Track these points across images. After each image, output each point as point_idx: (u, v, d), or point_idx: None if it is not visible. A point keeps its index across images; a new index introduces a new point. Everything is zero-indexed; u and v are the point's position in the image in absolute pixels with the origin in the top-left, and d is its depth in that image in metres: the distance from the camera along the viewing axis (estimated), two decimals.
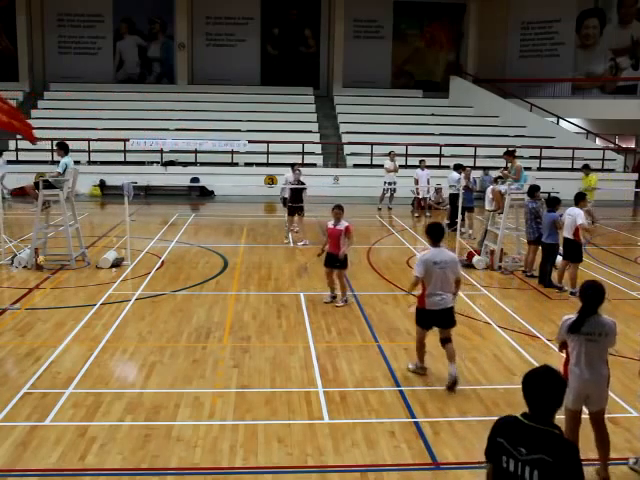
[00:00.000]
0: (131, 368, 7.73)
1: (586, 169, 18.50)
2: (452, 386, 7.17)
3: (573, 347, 5.37)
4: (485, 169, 22.39)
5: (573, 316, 5.38)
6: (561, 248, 11.51)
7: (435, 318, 7.36)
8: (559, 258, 11.63)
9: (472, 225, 16.64)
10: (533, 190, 12.16)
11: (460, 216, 14.00)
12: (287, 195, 15.29)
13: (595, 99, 30.61)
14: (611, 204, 22.08)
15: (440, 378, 7.50)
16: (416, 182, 20.09)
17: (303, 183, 15.22)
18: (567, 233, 11.09)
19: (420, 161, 20.64)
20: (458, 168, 17.45)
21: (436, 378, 7.51)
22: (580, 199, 11.25)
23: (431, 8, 32.78)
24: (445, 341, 7.43)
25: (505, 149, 14.20)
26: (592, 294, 5.31)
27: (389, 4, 32.46)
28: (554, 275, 11.69)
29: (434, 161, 24.72)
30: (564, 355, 5.58)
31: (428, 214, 20.12)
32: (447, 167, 24.30)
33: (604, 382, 5.39)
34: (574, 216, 10.98)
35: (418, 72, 33.22)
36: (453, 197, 16.37)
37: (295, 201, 15.07)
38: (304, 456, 5.78)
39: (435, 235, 7.43)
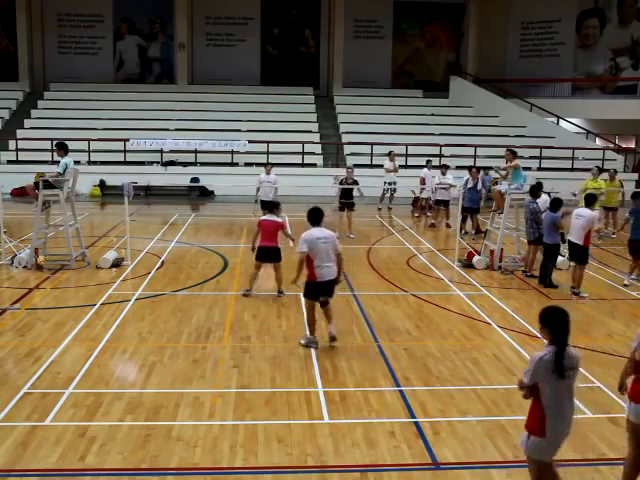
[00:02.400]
0: (131, 368, 7.73)
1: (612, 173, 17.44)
2: (332, 341, 8.35)
3: (547, 389, 4.52)
4: (485, 169, 22.36)
5: (546, 352, 4.52)
6: (562, 248, 11.45)
7: (323, 288, 8.26)
8: (560, 258, 11.61)
9: (475, 226, 16.62)
10: (535, 190, 12.13)
11: (460, 216, 14.00)
12: (264, 197, 15.89)
13: (595, 99, 30.60)
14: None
15: (440, 378, 7.51)
16: (422, 182, 19.78)
17: (356, 182, 16.22)
18: (575, 235, 10.87)
19: (427, 161, 20.52)
20: (479, 170, 16.80)
21: (436, 378, 7.52)
22: (593, 201, 11.11)
23: (431, 8, 32.78)
24: (324, 304, 8.45)
25: (505, 149, 14.18)
26: (566, 321, 4.51)
27: (389, 4, 32.46)
28: (553, 275, 11.68)
29: (434, 161, 24.62)
30: (529, 400, 4.70)
31: (428, 214, 20.09)
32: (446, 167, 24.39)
33: (571, 424, 4.64)
34: (586, 218, 10.76)
35: (418, 72, 33.21)
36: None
37: (347, 198, 16.06)
38: (304, 456, 5.78)
39: (314, 218, 8.35)
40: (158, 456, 5.72)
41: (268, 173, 16.48)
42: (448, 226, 17.80)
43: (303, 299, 8.64)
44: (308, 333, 8.57)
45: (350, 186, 16.04)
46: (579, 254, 11.01)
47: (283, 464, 5.66)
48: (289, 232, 11.23)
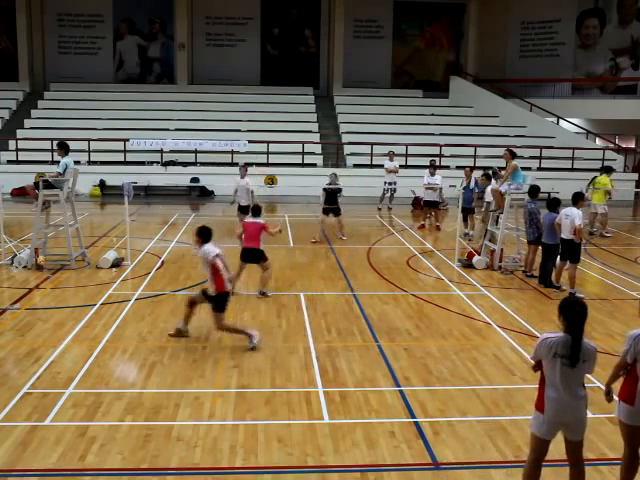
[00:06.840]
0: (131, 368, 7.74)
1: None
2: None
3: (547, 369, 4.80)
4: (485, 169, 22.35)
5: (553, 335, 4.80)
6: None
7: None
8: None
9: (473, 226, 16.60)
10: (534, 190, 12.12)
11: (460, 216, 13.98)
12: (243, 202, 14.97)
13: (595, 99, 30.61)
14: (611, 204, 22.01)
15: (440, 378, 7.51)
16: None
17: (340, 189, 15.87)
18: (565, 234, 11.00)
19: (431, 161, 20.47)
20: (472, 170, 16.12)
21: (436, 378, 7.52)
22: (579, 199, 11.17)
23: (431, 8, 32.78)
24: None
25: (505, 149, 14.12)
26: (581, 312, 4.72)
27: (389, 4, 32.47)
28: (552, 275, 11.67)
29: (435, 161, 24.65)
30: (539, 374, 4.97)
31: (429, 214, 20.05)
32: (447, 167, 24.46)
33: (583, 407, 4.84)
34: (572, 217, 10.88)
35: (418, 72, 33.22)
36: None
37: (330, 203, 15.69)
38: (304, 456, 5.78)
39: (206, 235, 8.76)
40: (158, 456, 5.72)
41: (242, 177, 15.23)
42: (438, 228, 17.63)
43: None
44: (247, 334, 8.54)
45: (334, 186, 15.57)
46: (571, 250, 10.99)
47: (283, 464, 5.66)
48: (273, 231, 11.20)
